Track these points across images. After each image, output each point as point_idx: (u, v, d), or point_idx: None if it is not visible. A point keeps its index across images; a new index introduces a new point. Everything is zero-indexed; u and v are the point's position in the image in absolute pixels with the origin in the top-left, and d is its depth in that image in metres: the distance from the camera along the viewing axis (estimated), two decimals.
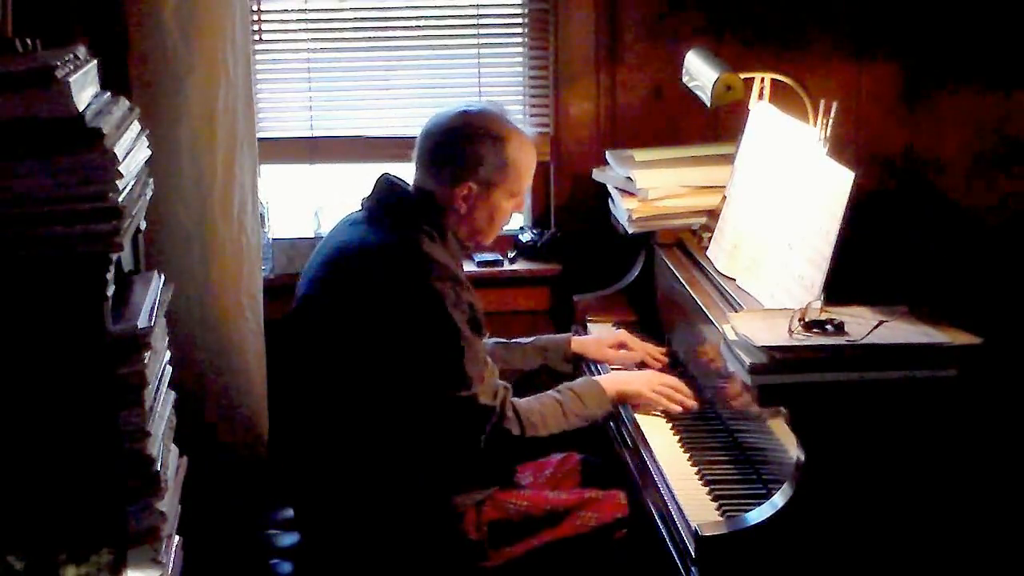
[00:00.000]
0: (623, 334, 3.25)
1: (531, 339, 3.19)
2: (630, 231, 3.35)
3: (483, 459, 2.73)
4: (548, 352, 3.16)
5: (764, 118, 3.08)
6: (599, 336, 3.28)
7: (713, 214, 3.18)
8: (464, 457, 2.72)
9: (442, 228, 2.77)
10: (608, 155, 3.55)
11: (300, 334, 2.81)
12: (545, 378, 3.09)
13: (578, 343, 3.20)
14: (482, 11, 3.67)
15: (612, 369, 3.12)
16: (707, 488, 2.52)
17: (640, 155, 3.46)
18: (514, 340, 3.18)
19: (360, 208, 2.87)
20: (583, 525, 2.76)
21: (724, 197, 3.13)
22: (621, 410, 2.93)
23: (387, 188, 2.83)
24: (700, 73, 3.17)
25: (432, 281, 2.66)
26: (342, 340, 2.70)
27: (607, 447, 3.01)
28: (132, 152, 2.17)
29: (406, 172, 2.88)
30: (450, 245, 2.78)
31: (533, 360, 3.14)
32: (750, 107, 3.19)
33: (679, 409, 2.87)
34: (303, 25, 3.65)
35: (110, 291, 2.02)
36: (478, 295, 2.79)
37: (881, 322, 2.32)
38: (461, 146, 2.79)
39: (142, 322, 2.13)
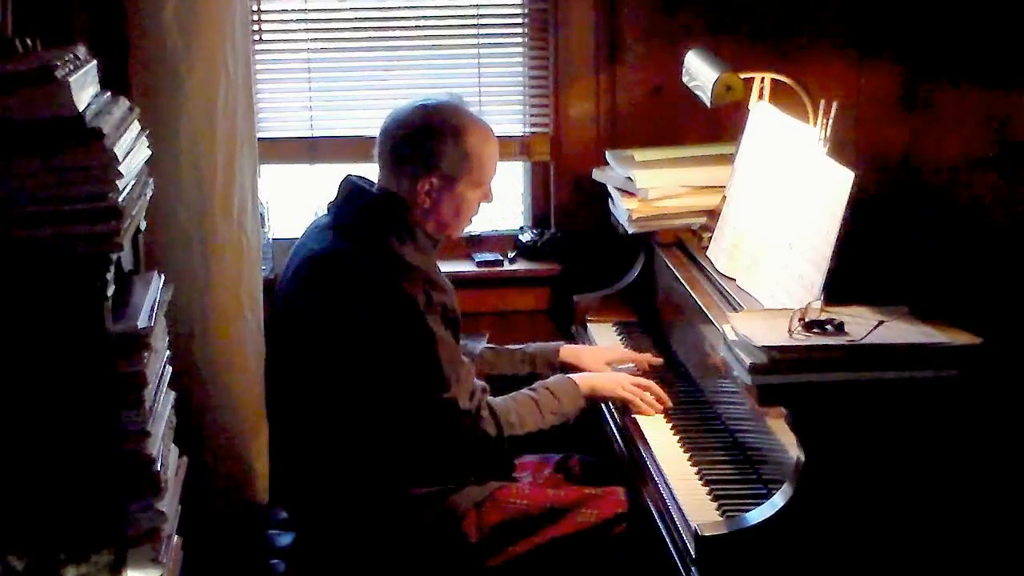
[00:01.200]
0: (622, 350, 3.23)
1: (521, 346, 3.18)
2: (630, 231, 3.36)
3: (461, 460, 2.73)
4: (536, 360, 3.14)
5: (764, 118, 3.08)
6: (595, 348, 3.25)
7: (713, 214, 3.18)
8: (444, 458, 2.72)
9: (410, 227, 2.74)
10: (608, 155, 3.55)
11: (282, 342, 2.81)
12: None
13: (572, 354, 3.15)
14: (482, 11, 3.67)
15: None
16: (707, 488, 2.52)
17: (640, 155, 3.46)
18: (504, 347, 3.18)
19: (326, 212, 2.86)
20: (583, 522, 2.76)
21: (724, 197, 3.14)
22: (613, 412, 2.93)
23: (352, 191, 2.81)
24: (700, 73, 3.17)
25: (404, 285, 2.65)
26: (323, 348, 2.71)
27: (606, 447, 3.01)
28: (132, 152, 2.16)
29: (372, 171, 2.86)
30: (421, 243, 2.75)
31: (521, 367, 3.13)
32: (750, 107, 3.19)
33: (654, 409, 2.86)
34: (303, 25, 3.65)
35: (110, 291, 2.02)
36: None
37: (881, 322, 2.31)
38: (420, 142, 2.75)
39: (142, 322, 2.13)
